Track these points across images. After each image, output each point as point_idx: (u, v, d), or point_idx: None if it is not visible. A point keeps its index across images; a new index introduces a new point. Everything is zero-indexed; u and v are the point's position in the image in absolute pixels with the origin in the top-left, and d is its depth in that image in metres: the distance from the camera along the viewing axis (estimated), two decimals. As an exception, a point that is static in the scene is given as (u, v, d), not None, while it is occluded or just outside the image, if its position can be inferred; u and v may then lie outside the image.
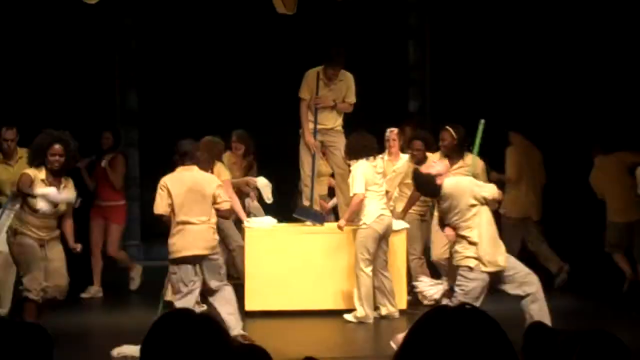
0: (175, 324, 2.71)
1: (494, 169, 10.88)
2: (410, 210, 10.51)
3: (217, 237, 8.71)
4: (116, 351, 8.13)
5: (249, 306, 10.21)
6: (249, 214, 10.83)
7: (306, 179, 10.65)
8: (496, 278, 8.29)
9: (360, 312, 9.84)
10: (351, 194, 9.89)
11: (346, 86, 10.53)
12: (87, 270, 10.95)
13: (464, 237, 8.29)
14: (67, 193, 8.61)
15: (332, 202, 11.24)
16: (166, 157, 11.91)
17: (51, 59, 12.21)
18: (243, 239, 10.46)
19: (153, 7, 11.28)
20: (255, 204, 10.90)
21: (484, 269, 8.23)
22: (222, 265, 8.74)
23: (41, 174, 8.49)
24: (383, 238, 9.91)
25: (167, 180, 8.73)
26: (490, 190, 8.37)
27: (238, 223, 10.59)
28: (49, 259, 8.63)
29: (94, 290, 11.07)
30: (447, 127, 10.14)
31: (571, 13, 12.07)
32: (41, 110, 11.53)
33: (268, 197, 10.68)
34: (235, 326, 8.52)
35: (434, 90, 13.60)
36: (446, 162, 9.36)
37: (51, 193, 8.47)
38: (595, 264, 11.45)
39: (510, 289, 8.37)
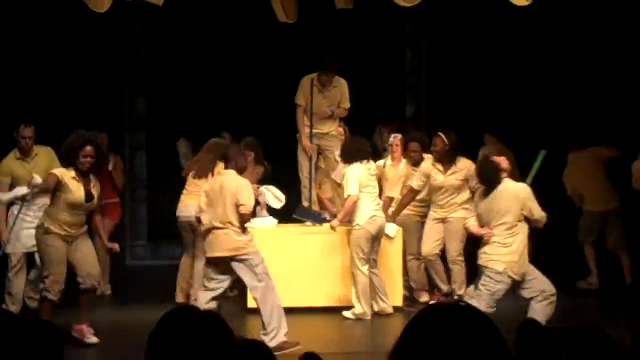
0: (179, 320, 2.70)
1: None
2: (410, 212, 10.48)
3: (242, 238, 8.54)
4: None
5: (251, 303, 10.19)
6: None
7: (304, 181, 10.71)
8: (517, 284, 8.48)
9: (358, 309, 9.84)
10: (345, 196, 9.92)
11: (340, 92, 10.60)
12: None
13: (502, 243, 8.39)
14: (95, 192, 8.64)
15: None
16: (173, 160, 11.97)
17: (63, 64, 12.21)
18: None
19: (161, 14, 11.27)
20: (264, 212, 10.79)
21: (512, 275, 8.34)
22: (255, 264, 8.53)
23: (70, 172, 8.49)
24: (376, 238, 9.94)
25: (206, 185, 9.02)
26: (541, 212, 8.51)
27: None
28: (78, 250, 8.62)
29: (103, 288, 11.05)
30: (439, 132, 10.14)
31: (554, 21, 12.10)
32: (53, 111, 11.53)
33: (275, 203, 10.60)
34: (267, 322, 8.44)
35: (430, 95, 13.59)
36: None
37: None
38: (567, 259, 11.49)
39: (527, 293, 8.54)
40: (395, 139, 10.68)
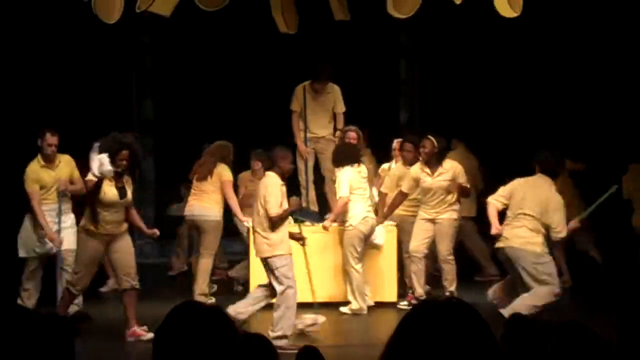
0: (186, 315, 2.70)
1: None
2: (405, 212, 10.48)
3: (266, 241, 8.36)
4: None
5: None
6: None
7: (302, 183, 10.79)
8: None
9: (354, 305, 9.86)
10: (337, 198, 9.94)
11: (334, 98, 10.71)
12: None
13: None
14: (128, 188, 8.63)
15: None
16: (179, 163, 11.97)
17: (75, 73, 12.20)
18: (248, 236, 10.46)
19: (168, 27, 11.29)
20: None
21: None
22: (275, 267, 8.33)
23: None
24: (367, 238, 9.96)
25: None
26: (562, 224, 8.61)
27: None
28: (116, 251, 8.63)
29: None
30: (430, 136, 10.17)
31: (539, 35, 12.11)
32: (65, 118, 11.51)
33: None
34: (276, 323, 8.25)
35: (423, 102, 13.61)
36: None
37: (95, 169, 8.40)
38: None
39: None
40: (397, 143, 10.81)
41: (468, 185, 10.17)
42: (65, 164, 9.26)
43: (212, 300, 10.56)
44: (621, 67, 11.79)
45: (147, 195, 13.51)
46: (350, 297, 9.91)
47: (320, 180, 10.87)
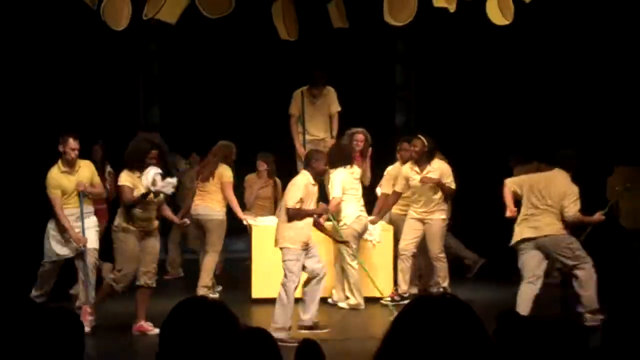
0: (190, 309, 2.70)
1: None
2: (400, 211, 10.47)
3: (281, 232, 8.50)
4: None
5: (255, 294, 10.22)
6: None
7: None
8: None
9: (352, 300, 9.87)
10: (330, 198, 9.94)
11: (330, 99, 10.76)
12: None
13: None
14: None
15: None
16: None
17: (85, 78, 12.20)
18: (250, 235, 10.47)
19: (174, 35, 11.30)
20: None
21: None
22: (284, 260, 8.47)
23: (135, 174, 8.56)
24: (361, 236, 9.97)
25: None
26: (573, 206, 8.67)
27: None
28: (143, 249, 8.66)
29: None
30: (420, 135, 10.19)
31: (529, 42, 12.13)
32: (74, 122, 11.50)
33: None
34: (276, 316, 8.40)
35: (418, 106, 13.61)
36: None
37: (148, 183, 8.47)
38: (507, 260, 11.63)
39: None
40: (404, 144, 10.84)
41: (453, 186, 10.11)
42: (86, 169, 9.09)
43: (219, 290, 10.59)
44: (608, 72, 11.80)
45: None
46: (348, 293, 9.94)
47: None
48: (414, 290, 10.33)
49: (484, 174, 12.21)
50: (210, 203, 10.38)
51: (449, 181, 10.04)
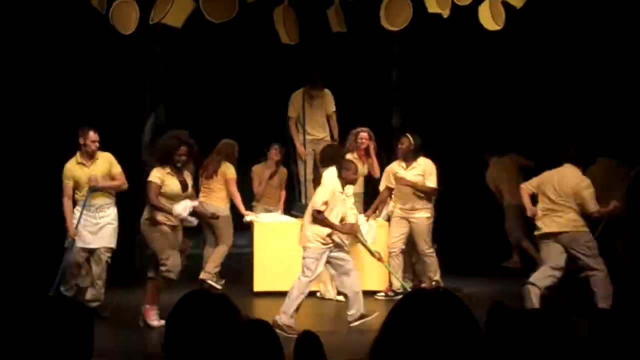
0: (195, 302, 2.71)
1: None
2: (393, 207, 10.47)
3: (305, 232, 8.35)
4: None
5: (257, 287, 10.23)
6: None
7: (302, 180, 10.87)
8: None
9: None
10: (316, 197, 9.90)
11: (327, 100, 10.76)
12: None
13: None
14: (189, 181, 8.66)
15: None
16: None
17: (93, 80, 12.18)
18: (252, 231, 10.47)
19: (179, 38, 11.29)
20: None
21: None
22: (304, 257, 8.32)
23: (165, 169, 8.50)
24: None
25: None
26: (593, 202, 8.66)
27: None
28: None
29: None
30: (407, 134, 10.21)
31: (520, 46, 12.12)
32: (83, 122, 11.49)
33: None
34: (285, 305, 8.25)
35: (414, 108, 13.60)
36: None
37: (182, 211, 8.41)
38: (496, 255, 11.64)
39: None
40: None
41: (433, 184, 10.07)
42: (104, 161, 8.99)
43: (222, 283, 10.56)
44: (597, 74, 11.79)
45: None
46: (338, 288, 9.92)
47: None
48: (410, 284, 10.32)
49: (477, 174, 12.23)
50: (215, 201, 10.37)
51: (431, 179, 9.99)
